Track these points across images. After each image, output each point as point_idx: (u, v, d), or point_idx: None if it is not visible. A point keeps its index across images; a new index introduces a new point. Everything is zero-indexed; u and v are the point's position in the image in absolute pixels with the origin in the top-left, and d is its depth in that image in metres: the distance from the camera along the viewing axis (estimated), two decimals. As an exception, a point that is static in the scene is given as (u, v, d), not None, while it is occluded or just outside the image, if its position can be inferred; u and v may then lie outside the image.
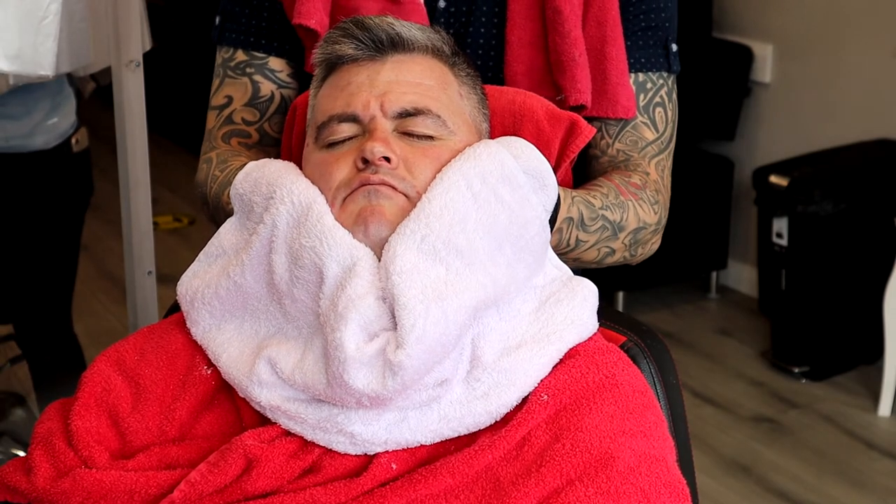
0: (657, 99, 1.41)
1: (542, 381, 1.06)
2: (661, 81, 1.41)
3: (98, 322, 3.65)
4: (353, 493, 1.01)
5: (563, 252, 1.27)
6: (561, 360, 1.08)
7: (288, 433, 1.07)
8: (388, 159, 1.08)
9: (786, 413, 3.21)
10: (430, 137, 1.12)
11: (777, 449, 3.01)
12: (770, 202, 3.28)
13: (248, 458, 1.04)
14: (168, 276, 3.46)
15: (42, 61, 2.05)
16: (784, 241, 3.27)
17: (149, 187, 1.97)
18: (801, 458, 2.96)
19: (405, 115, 1.12)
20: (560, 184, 1.24)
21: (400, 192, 1.08)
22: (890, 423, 3.14)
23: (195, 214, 4.84)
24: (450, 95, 1.15)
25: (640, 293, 3.86)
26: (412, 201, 1.08)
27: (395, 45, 1.15)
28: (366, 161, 1.08)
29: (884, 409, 3.16)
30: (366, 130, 1.11)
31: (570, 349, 1.09)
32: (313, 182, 1.12)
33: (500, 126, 1.27)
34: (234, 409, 1.13)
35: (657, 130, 1.40)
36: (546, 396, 1.04)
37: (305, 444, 1.05)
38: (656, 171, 1.39)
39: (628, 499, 0.98)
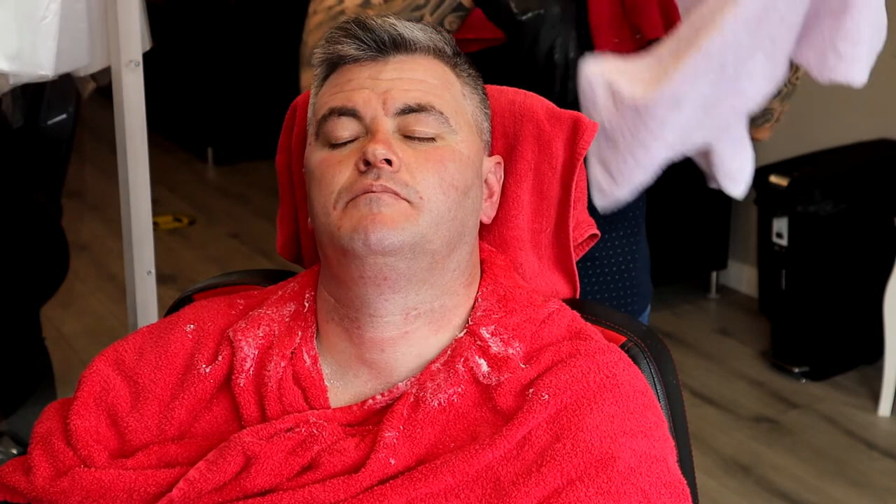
0: None
1: (543, 379, 1.07)
2: None
3: (98, 322, 3.65)
4: (353, 490, 1.01)
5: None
6: (562, 359, 1.09)
7: (287, 430, 1.07)
8: (389, 162, 1.07)
9: (786, 413, 3.21)
10: (432, 139, 1.11)
11: (777, 449, 3.01)
12: (770, 202, 3.28)
13: (246, 456, 1.04)
14: (168, 276, 3.46)
15: (42, 61, 2.05)
16: (784, 241, 3.27)
17: (149, 187, 1.97)
18: (801, 458, 2.96)
19: (408, 111, 1.11)
20: (575, 180, 1.24)
21: (402, 199, 1.07)
22: (890, 423, 3.14)
23: (195, 214, 4.84)
24: (453, 94, 1.15)
25: (640, 293, 3.86)
26: (415, 207, 1.07)
27: (398, 45, 1.15)
28: (367, 163, 1.07)
29: (884, 409, 3.16)
30: (368, 131, 1.11)
31: (571, 348, 1.10)
32: (313, 182, 1.12)
33: (500, 126, 1.26)
34: (233, 408, 1.13)
35: None
36: (547, 395, 1.05)
37: (304, 441, 1.06)
38: None
39: (629, 499, 0.98)
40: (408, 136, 1.11)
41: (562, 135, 1.24)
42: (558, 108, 1.27)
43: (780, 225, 3.27)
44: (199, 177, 5.44)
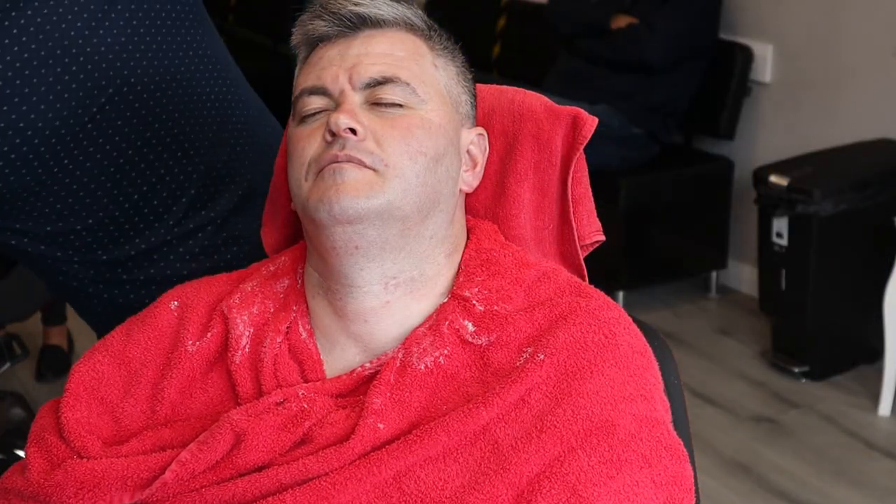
0: None
1: (540, 339, 1.06)
2: None
3: (98, 322, 3.64)
4: (346, 458, 1.01)
5: None
6: (561, 315, 1.09)
7: (277, 404, 1.07)
8: (354, 131, 1.08)
9: (786, 413, 3.21)
10: (399, 106, 1.12)
11: (777, 449, 3.01)
12: (770, 202, 3.28)
13: (236, 434, 1.04)
14: (168, 276, 3.42)
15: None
16: (784, 241, 3.27)
17: (149, 187, 1.96)
18: (801, 458, 2.96)
19: (374, 84, 1.12)
20: (575, 173, 1.25)
21: (368, 167, 1.08)
22: (890, 423, 3.14)
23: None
24: (422, 66, 1.15)
25: (640, 293, 3.86)
26: (380, 174, 1.08)
27: (365, 21, 1.16)
28: (333, 134, 1.09)
29: (884, 409, 3.16)
30: (336, 104, 1.12)
31: (571, 304, 1.10)
32: (289, 158, 1.14)
33: (500, 125, 1.27)
34: (228, 386, 1.13)
35: None
36: (543, 356, 1.05)
37: (295, 416, 1.06)
38: None
39: (630, 466, 0.99)
40: (375, 105, 1.12)
41: (561, 131, 1.25)
42: (557, 106, 1.27)
43: (780, 225, 3.27)
44: (199, 177, 5.44)
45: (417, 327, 1.11)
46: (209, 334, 1.15)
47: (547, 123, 1.25)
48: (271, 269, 1.22)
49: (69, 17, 1.34)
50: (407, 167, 1.09)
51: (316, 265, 1.15)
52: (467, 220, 1.21)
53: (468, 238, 1.19)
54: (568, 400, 1.02)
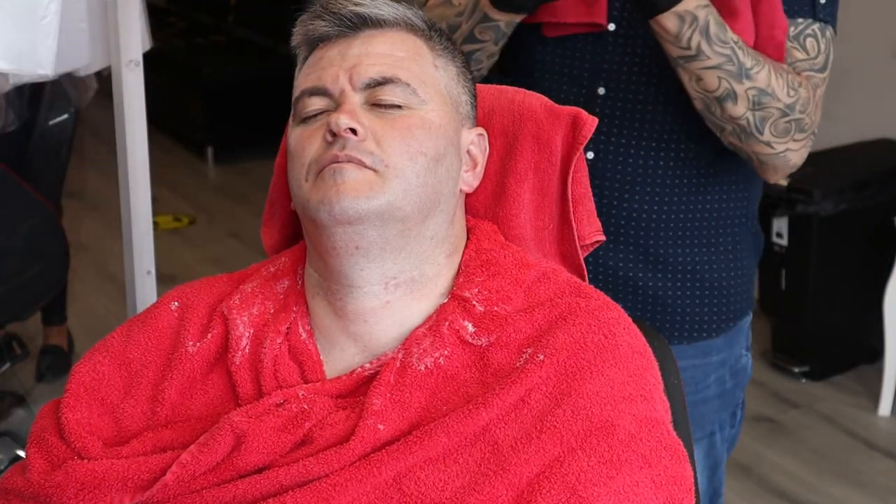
0: (808, 31, 1.49)
1: (540, 340, 1.07)
2: (810, 21, 1.49)
3: (98, 322, 3.65)
4: (346, 460, 1.01)
5: (684, 56, 1.34)
6: (560, 316, 1.09)
7: (277, 405, 1.07)
8: (354, 131, 1.08)
9: (786, 413, 3.21)
10: (399, 107, 1.12)
11: (777, 449, 3.01)
12: (770, 202, 3.29)
13: (236, 435, 1.04)
14: (168, 276, 3.46)
15: (42, 61, 2.04)
16: (784, 241, 3.27)
17: (149, 187, 1.97)
18: (801, 458, 2.96)
19: (374, 84, 1.12)
20: (575, 174, 1.25)
21: (368, 168, 1.08)
22: (890, 423, 3.14)
23: (195, 214, 4.84)
24: (422, 66, 1.16)
25: (640, 293, 3.85)
26: (380, 175, 1.08)
27: (365, 21, 1.16)
28: (334, 134, 1.09)
29: (884, 409, 3.16)
30: (337, 105, 1.12)
31: (570, 304, 1.10)
32: (289, 159, 1.14)
33: (500, 125, 1.27)
34: (228, 387, 1.13)
35: (808, 53, 1.50)
36: (542, 356, 1.05)
37: (295, 417, 1.05)
38: (808, 82, 1.48)
39: (630, 466, 0.99)
40: (375, 105, 1.12)
41: (561, 131, 1.25)
42: (557, 106, 1.27)
43: (780, 225, 3.27)
44: (199, 177, 5.44)
45: (417, 328, 1.11)
46: (209, 335, 1.15)
47: (547, 123, 1.25)
48: (271, 269, 1.22)
49: None
50: (407, 167, 1.09)
51: (316, 265, 1.15)
52: (467, 221, 1.21)
53: (468, 238, 1.19)
54: (568, 400, 1.02)
